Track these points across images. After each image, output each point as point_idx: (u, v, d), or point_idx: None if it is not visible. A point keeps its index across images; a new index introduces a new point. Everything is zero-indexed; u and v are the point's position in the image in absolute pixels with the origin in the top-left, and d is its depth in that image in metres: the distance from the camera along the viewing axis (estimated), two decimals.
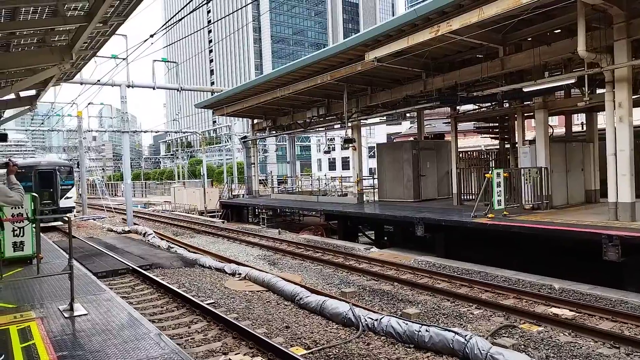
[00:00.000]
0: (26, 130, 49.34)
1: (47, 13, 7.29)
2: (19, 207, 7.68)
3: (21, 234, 8.13)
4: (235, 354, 6.12)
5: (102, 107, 44.24)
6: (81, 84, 21.69)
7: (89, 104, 31.97)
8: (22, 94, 13.75)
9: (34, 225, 7.55)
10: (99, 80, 20.57)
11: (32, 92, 13.87)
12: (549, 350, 6.10)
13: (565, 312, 7.40)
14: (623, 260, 8.69)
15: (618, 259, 8.66)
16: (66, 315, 5.51)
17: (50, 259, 8.94)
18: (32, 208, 7.77)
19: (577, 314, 7.36)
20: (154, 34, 10.08)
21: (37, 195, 7.59)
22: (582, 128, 17.40)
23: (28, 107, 14.92)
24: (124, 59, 18.68)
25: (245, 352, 6.21)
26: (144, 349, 4.43)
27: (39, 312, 5.68)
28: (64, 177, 20.88)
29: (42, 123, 43.03)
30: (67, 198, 20.97)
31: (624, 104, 9.98)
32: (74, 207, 22.15)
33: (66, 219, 19.50)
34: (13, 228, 8.06)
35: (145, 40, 10.67)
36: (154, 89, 25.36)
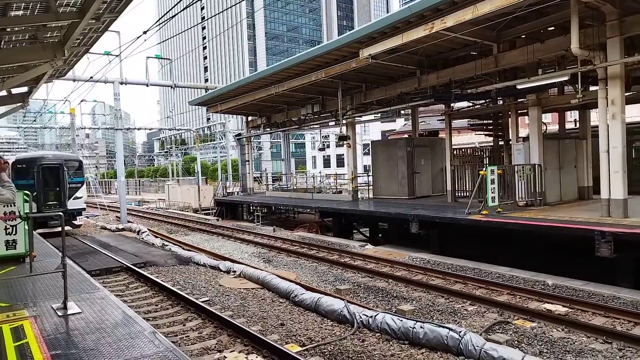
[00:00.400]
0: (18, 128, 48.88)
1: (38, 9, 7.22)
2: (10, 205, 7.62)
3: (14, 232, 8.06)
4: (230, 352, 6.12)
5: (95, 104, 43.92)
6: (74, 80, 21.53)
7: (81, 101, 31.73)
8: (14, 90, 13.61)
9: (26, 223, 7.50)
10: (91, 77, 20.41)
11: (24, 89, 13.75)
12: (543, 346, 6.15)
13: (558, 308, 7.46)
14: (615, 256, 8.76)
15: (611, 255, 8.73)
16: (60, 313, 5.47)
17: (43, 257, 8.87)
18: (26, 208, 7.70)
19: (570, 310, 7.41)
20: (147, 30, 10.00)
21: (29, 193, 7.50)
22: (575, 125, 17.51)
23: (20, 104, 14.79)
24: (117, 56, 18.53)
25: (240, 349, 6.21)
26: (138, 347, 4.41)
27: (32, 310, 5.64)
28: (72, 173, 17.68)
29: (35, 120, 42.67)
30: (77, 198, 17.76)
31: (617, 101, 10.04)
32: (84, 209, 18.96)
33: (77, 223, 18.03)
34: (5, 226, 8.00)
35: (138, 37, 10.59)
36: (147, 85, 25.25)
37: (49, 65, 9.34)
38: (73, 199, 17.50)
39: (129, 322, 5.17)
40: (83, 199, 18.42)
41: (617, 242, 8.69)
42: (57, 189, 17.13)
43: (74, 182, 17.67)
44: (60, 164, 17.29)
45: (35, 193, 15.38)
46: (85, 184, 19.08)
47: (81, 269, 9.31)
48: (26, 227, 7.71)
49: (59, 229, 16.36)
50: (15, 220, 7.83)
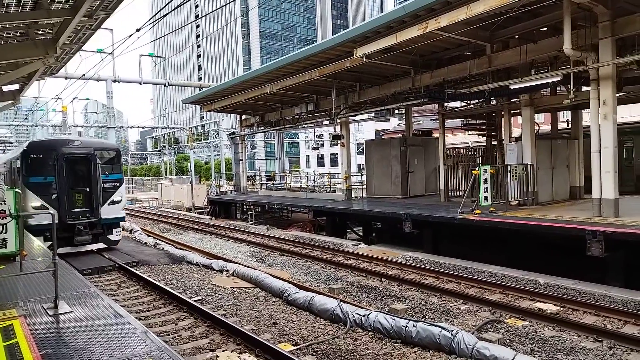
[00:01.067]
0: (9, 126, 48.41)
1: (30, 6, 7.15)
2: (0, 203, 7.54)
3: (4, 231, 7.97)
4: (223, 351, 6.10)
5: (87, 102, 43.66)
6: (66, 78, 21.41)
7: (74, 98, 31.49)
8: (5, 88, 13.48)
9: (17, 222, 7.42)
10: (84, 75, 20.26)
11: (16, 86, 13.62)
12: (534, 345, 6.19)
13: (549, 307, 7.50)
14: (606, 255, 8.83)
15: (602, 255, 8.80)
16: (50, 313, 5.43)
17: (34, 256, 8.80)
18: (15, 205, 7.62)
19: (562, 309, 7.46)
20: (140, 28, 9.94)
21: (19, 191, 7.39)
22: (568, 125, 17.63)
23: (11, 101, 14.65)
24: (109, 54, 18.43)
25: (233, 348, 6.19)
26: (129, 346, 4.38)
27: (23, 310, 5.59)
28: (107, 168, 12.90)
29: (26, 118, 42.32)
30: (113, 203, 12.87)
31: (609, 102, 10.12)
32: (123, 219, 13.85)
33: (114, 239, 12.86)
34: None
35: (131, 35, 10.53)
36: (140, 84, 25.17)
37: (40, 63, 9.26)
38: (108, 205, 12.71)
39: (121, 321, 5.13)
40: (122, 205, 13.38)
41: (608, 241, 8.76)
42: (87, 189, 12.43)
43: (110, 180, 12.88)
44: (90, 154, 12.48)
45: (55, 195, 11.90)
46: (124, 183, 13.82)
47: (73, 268, 9.24)
48: (17, 226, 7.63)
49: (91, 246, 12.43)
50: (6, 218, 7.74)
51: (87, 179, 12.47)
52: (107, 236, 12.90)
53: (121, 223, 13.85)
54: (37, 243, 6.65)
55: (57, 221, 10.86)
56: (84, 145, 12.81)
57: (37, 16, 7.34)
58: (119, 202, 13.08)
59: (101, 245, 12.82)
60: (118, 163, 13.35)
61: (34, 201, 11.51)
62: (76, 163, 12.43)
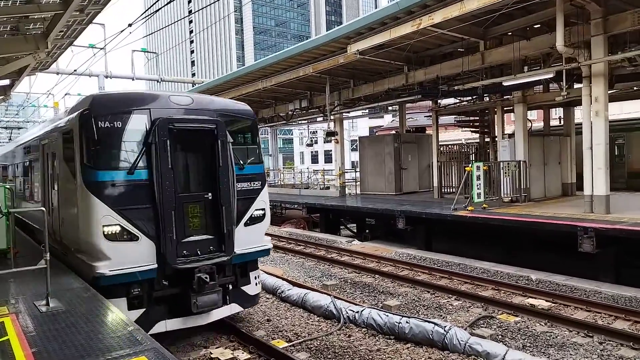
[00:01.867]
0: None
1: (20, 0, 7.07)
2: None
3: None
4: (216, 348, 6.10)
5: (79, 98, 43.27)
6: (57, 74, 21.13)
7: (65, 94, 31.18)
8: None
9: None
10: (75, 70, 20.05)
11: (6, 81, 13.49)
12: (526, 340, 6.24)
13: (541, 303, 7.57)
14: (598, 251, 8.90)
15: (593, 251, 8.87)
16: (42, 310, 5.39)
17: (26, 253, 8.73)
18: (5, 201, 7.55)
19: (553, 305, 7.53)
20: (133, 23, 9.87)
21: (10, 189, 7.29)
22: (560, 122, 17.74)
23: (2, 97, 14.54)
24: (101, 49, 18.25)
25: (227, 345, 6.20)
26: (122, 343, 4.36)
27: (14, 307, 5.54)
28: (240, 151, 6.86)
29: (17, 114, 41.89)
30: (254, 221, 6.90)
31: (600, 99, 10.18)
32: (268, 252, 7.16)
33: (251, 292, 6.80)
34: None
35: (123, 30, 10.44)
36: (133, 79, 24.87)
37: (31, 58, 9.19)
38: (244, 225, 6.79)
39: (113, 318, 5.11)
40: (266, 223, 7.28)
41: (599, 237, 8.83)
42: (209, 195, 6.42)
43: (246, 175, 6.94)
44: (216, 124, 6.46)
45: (152, 208, 5.96)
46: (266, 180, 7.52)
47: (64, 265, 9.17)
48: (7, 222, 7.56)
49: (220, 313, 6.43)
50: None
51: (208, 175, 6.51)
52: (241, 287, 6.79)
53: None
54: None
55: (155, 265, 5.88)
56: (200, 106, 6.67)
57: (27, 10, 7.26)
58: (261, 218, 7.09)
59: (235, 310, 6.78)
60: (255, 144, 7.37)
61: (107, 220, 5.81)
62: (188, 141, 6.41)
